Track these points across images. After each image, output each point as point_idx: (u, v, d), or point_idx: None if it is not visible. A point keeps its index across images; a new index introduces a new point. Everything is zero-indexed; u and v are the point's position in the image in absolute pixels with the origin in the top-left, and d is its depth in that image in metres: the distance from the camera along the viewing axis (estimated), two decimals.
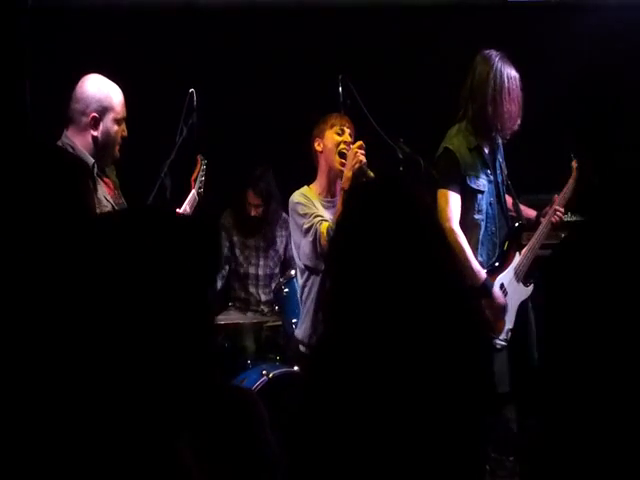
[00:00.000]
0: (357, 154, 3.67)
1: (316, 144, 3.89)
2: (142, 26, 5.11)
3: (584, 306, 2.04)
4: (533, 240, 4.00)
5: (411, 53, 5.28)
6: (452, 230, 3.72)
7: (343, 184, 3.69)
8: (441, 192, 3.80)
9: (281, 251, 5.21)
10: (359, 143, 3.73)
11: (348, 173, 3.66)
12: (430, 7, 5.38)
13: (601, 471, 2.00)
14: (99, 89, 3.42)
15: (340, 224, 2.02)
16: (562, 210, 4.00)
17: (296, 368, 4.27)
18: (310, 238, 3.71)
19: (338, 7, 5.34)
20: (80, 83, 3.46)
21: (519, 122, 3.88)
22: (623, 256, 2.04)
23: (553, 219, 3.98)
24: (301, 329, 3.95)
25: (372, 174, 3.67)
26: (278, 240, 5.20)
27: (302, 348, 3.92)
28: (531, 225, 4.09)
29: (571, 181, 4.04)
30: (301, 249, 3.79)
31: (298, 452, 1.82)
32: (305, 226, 3.74)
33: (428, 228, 1.93)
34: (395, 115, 4.37)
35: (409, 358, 1.78)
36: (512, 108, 3.82)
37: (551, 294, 2.14)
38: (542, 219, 4.03)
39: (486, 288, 3.79)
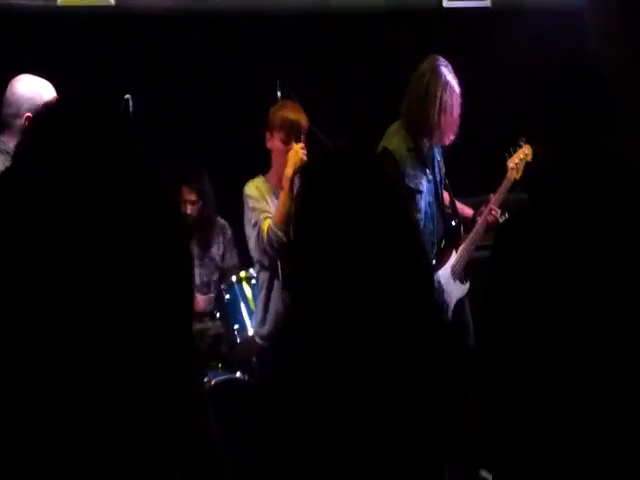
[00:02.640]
0: (298, 153, 3.66)
1: (267, 139, 3.84)
2: (75, 31, 5.04)
3: (528, 276, 2.06)
4: (469, 239, 4.04)
5: (350, 57, 5.30)
6: None
7: (283, 183, 3.67)
8: None
9: (217, 258, 5.00)
10: (301, 144, 3.71)
11: (289, 172, 3.65)
12: (367, 13, 5.41)
13: (543, 447, 2.01)
14: (29, 88, 3.36)
15: (302, 205, 1.92)
16: (497, 210, 4.04)
17: (238, 374, 4.23)
18: (254, 233, 3.70)
19: (278, 14, 5.34)
20: (10, 86, 3.40)
21: (452, 137, 3.91)
22: (568, 230, 2.07)
23: (489, 218, 4.02)
24: (256, 321, 3.92)
25: None
26: (214, 247, 4.99)
27: (258, 340, 3.88)
28: (467, 224, 4.13)
29: (505, 181, 4.08)
30: (250, 242, 3.78)
31: (273, 445, 1.78)
32: (252, 221, 3.74)
33: (394, 199, 1.89)
34: (333, 118, 4.38)
35: (376, 338, 1.76)
36: (451, 119, 3.85)
37: (497, 262, 2.16)
38: (478, 218, 4.06)
39: None
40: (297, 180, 3.64)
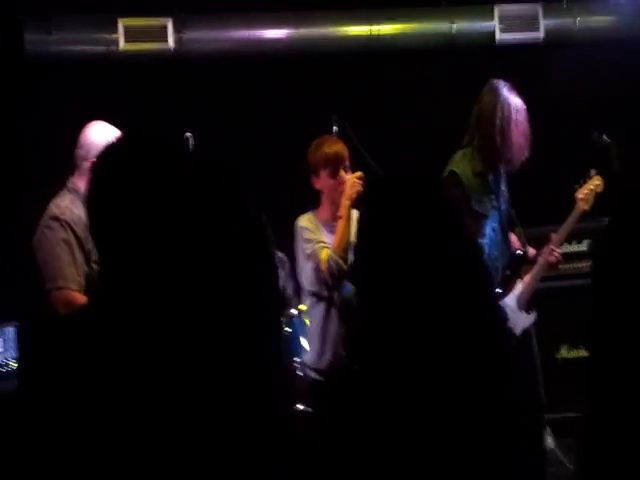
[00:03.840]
0: (355, 184, 3.69)
1: (313, 181, 3.88)
2: (136, 75, 5.19)
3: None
4: (534, 271, 3.99)
5: (406, 94, 5.37)
6: None
7: (341, 211, 3.69)
8: None
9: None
10: (358, 173, 3.74)
11: (346, 202, 3.68)
12: (422, 50, 5.48)
13: None
14: (101, 136, 3.48)
15: (365, 234, 1.94)
16: (558, 251, 3.98)
17: (300, 407, 4.23)
18: (312, 264, 3.71)
19: (332, 52, 5.44)
20: (84, 130, 3.58)
21: (526, 154, 3.89)
22: None
23: (550, 259, 3.97)
24: (308, 355, 3.92)
25: None
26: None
27: (313, 374, 3.88)
28: (530, 260, 4.08)
29: (574, 212, 3.98)
30: (304, 274, 3.79)
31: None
32: (307, 252, 3.74)
33: (454, 219, 1.90)
34: (391, 152, 4.42)
35: (440, 368, 1.76)
36: (520, 140, 3.83)
37: (600, 283, 2.13)
38: (539, 258, 4.01)
39: None
40: (354, 211, 3.68)
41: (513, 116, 3.82)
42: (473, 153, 3.88)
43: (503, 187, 4.01)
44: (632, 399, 1.99)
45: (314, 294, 3.80)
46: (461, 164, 3.88)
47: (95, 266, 3.31)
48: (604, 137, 4.06)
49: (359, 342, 1.94)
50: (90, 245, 3.34)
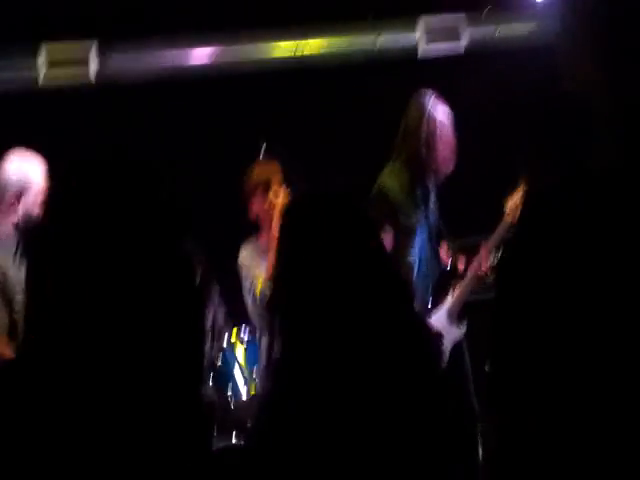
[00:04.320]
0: (283, 209, 3.69)
1: (249, 208, 3.90)
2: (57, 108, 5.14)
3: (535, 302, 2.07)
4: (464, 284, 4.02)
5: (330, 109, 5.38)
6: None
7: (270, 242, 3.71)
8: None
9: (208, 324, 4.98)
10: (284, 192, 3.77)
11: (275, 230, 3.68)
12: (343, 65, 5.51)
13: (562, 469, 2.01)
14: (17, 169, 3.45)
15: (279, 253, 1.96)
16: (486, 265, 4.00)
17: (234, 440, 4.18)
18: (250, 298, 3.85)
19: (258, 70, 5.45)
20: (1, 167, 3.47)
21: (452, 165, 3.92)
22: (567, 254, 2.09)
23: (479, 272, 3.99)
24: (260, 388, 3.92)
25: None
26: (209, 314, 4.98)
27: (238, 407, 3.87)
28: (459, 274, 4.10)
29: (503, 223, 4.02)
30: (248, 308, 3.86)
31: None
32: (247, 287, 3.89)
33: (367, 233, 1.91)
34: (321, 169, 4.43)
35: (364, 378, 1.76)
36: (445, 152, 3.86)
37: (502, 294, 2.17)
38: (469, 271, 4.04)
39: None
40: None
41: (438, 129, 3.85)
42: (401, 167, 3.90)
43: (432, 200, 4.03)
44: (530, 409, 2.03)
45: (260, 329, 3.84)
46: (389, 179, 3.89)
47: (16, 315, 3.24)
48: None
49: (281, 367, 1.94)
50: (10, 293, 3.27)
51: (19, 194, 3.38)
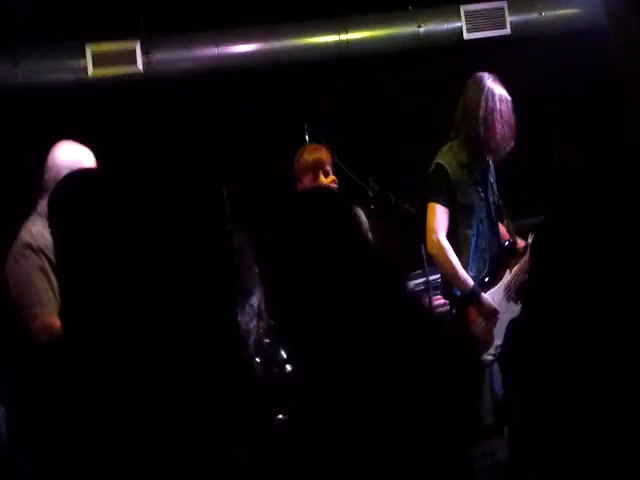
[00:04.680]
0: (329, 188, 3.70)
1: (298, 188, 3.89)
2: (106, 99, 5.20)
3: (569, 276, 2.05)
4: (522, 262, 3.97)
5: (378, 98, 5.38)
6: (438, 241, 3.73)
7: None
8: (430, 205, 3.80)
9: (257, 305, 5.04)
10: (331, 178, 3.77)
11: None
12: (391, 53, 5.50)
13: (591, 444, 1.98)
14: (69, 156, 3.45)
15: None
16: None
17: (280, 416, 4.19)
18: None
19: (302, 62, 5.47)
20: (51, 152, 3.51)
21: (512, 144, 3.89)
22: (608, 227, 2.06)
23: None
24: None
25: None
26: (254, 296, 5.03)
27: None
28: (518, 252, 4.06)
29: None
30: None
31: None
32: None
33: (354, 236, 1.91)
34: (367, 156, 4.43)
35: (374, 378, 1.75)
36: (504, 130, 3.83)
37: (538, 262, 2.14)
38: (528, 249, 3.98)
39: (475, 294, 3.75)
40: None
41: (497, 106, 3.84)
42: (459, 145, 3.89)
43: (491, 179, 4.01)
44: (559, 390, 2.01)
45: None
46: (447, 156, 3.89)
47: None
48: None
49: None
50: None
51: None
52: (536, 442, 2.07)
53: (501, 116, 3.83)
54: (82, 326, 1.65)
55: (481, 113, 3.81)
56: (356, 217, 2.00)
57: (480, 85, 3.86)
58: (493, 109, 3.82)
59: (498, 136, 3.83)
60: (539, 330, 2.09)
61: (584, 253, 2.06)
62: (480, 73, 3.92)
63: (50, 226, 1.73)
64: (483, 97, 3.82)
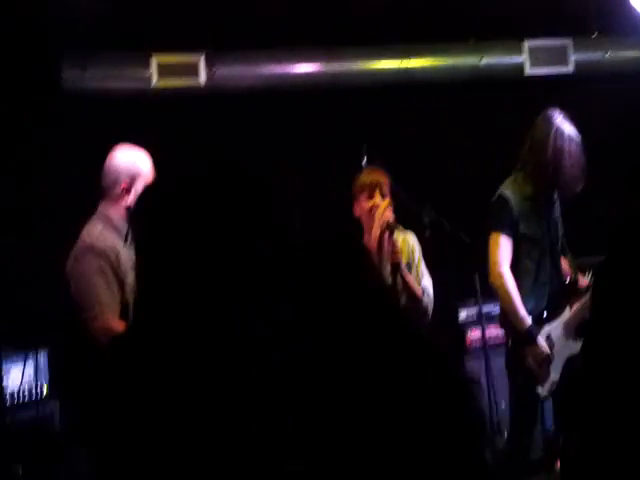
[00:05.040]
0: (384, 213, 3.70)
1: (355, 209, 3.91)
2: (167, 111, 5.27)
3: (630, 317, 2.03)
4: (583, 300, 3.91)
5: (436, 125, 5.39)
6: (500, 274, 3.72)
7: (371, 242, 3.71)
8: (492, 236, 3.80)
9: None
10: (386, 202, 3.76)
11: (376, 232, 3.69)
12: (450, 83, 5.51)
13: None
14: (128, 159, 3.51)
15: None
16: None
17: None
18: None
19: (363, 86, 5.50)
20: (110, 155, 3.57)
21: (582, 184, 3.86)
22: None
23: None
24: None
25: (402, 229, 3.72)
26: None
27: None
28: (580, 291, 4.01)
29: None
30: None
31: None
32: None
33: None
34: (421, 182, 4.43)
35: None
36: (574, 170, 3.81)
37: (598, 303, 2.13)
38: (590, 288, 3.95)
39: (530, 335, 3.73)
40: (386, 238, 3.69)
41: (566, 146, 3.81)
42: (525, 178, 3.87)
43: (556, 213, 3.98)
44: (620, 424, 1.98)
45: None
46: (511, 187, 3.88)
47: (129, 294, 3.32)
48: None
49: None
50: (123, 273, 3.35)
51: (131, 181, 3.46)
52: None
53: (570, 156, 3.81)
54: (150, 334, 1.67)
55: (550, 151, 3.79)
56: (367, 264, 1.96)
57: (550, 122, 3.84)
58: (562, 148, 3.80)
59: (567, 176, 3.80)
60: (600, 372, 2.07)
61: None
62: (551, 110, 3.90)
63: (134, 240, 1.75)
64: (552, 135, 3.80)
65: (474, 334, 5.00)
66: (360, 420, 1.64)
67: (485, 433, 3.44)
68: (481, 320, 4.44)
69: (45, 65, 5.00)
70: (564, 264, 4.03)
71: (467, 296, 4.23)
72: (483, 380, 4.55)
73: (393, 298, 2.00)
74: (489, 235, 3.81)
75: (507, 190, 3.85)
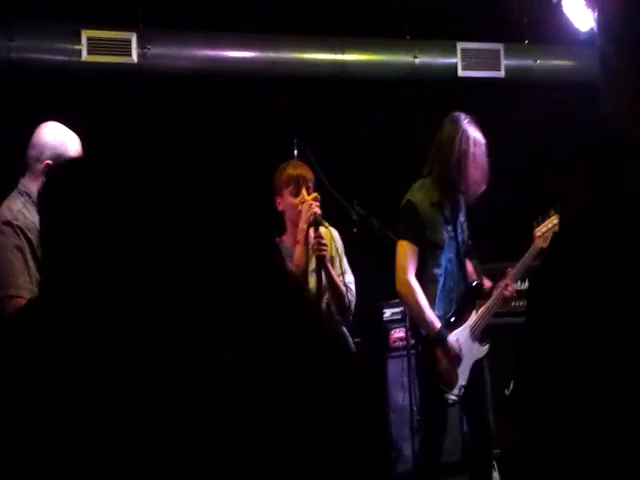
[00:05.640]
0: (312, 206, 3.69)
1: (277, 203, 3.87)
2: (96, 88, 5.16)
3: (564, 318, 2.06)
4: (489, 304, 3.99)
5: (368, 122, 5.41)
6: (407, 281, 3.75)
7: (298, 236, 3.69)
8: (400, 243, 3.83)
9: None
10: (314, 195, 3.74)
11: (303, 226, 3.68)
12: (387, 80, 5.53)
13: None
14: (54, 136, 3.40)
15: None
16: (513, 286, 3.98)
17: None
18: None
19: (296, 77, 5.48)
20: (36, 130, 3.44)
21: (483, 187, 3.91)
22: (603, 275, 2.09)
23: (505, 293, 3.97)
24: None
25: (327, 225, 3.71)
26: None
27: None
28: (484, 294, 4.07)
29: (531, 249, 4.00)
30: None
31: None
32: None
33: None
34: (350, 178, 4.44)
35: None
36: (477, 173, 3.85)
37: (532, 308, 2.16)
38: (494, 291, 4.01)
39: (441, 337, 3.77)
40: (312, 232, 3.68)
41: (471, 149, 3.85)
42: (432, 183, 3.90)
43: (462, 218, 4.02)
44: (554, 429, 2.02)
45: None
46: (419, 193, 3.89)
47: None
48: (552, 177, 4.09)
49: None
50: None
51: (57, 158, 3.35)
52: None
53: (474, 160, 3.84)
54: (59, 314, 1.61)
55: (454, 154, 3.82)
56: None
57: (456, 126, 3.87)
58: (466, 152, 3.83)
59: (470, 179, 3.85)
60: (539, 369, 2.10)
61: (579, 301, 2.09)
62: (457, 113, 3.94)
63: (40, 215, 1.69)
64: (457, 138, 3.84)
65: (397, 334, 5.04)
66: (270, 415, 1.63)
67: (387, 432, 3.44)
68: (405, 320, 4.47)
69: None
70: (469, 267, 4.08)
71: (392, 295, 4.24)
72: (405, 380, 4.61)
73: (301, 286, 1.97)
74: (397, 242, 3.84)
75: (414, 196, 3.88)
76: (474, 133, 3.88)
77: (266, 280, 1.77)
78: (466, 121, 3.90)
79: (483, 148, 3.89)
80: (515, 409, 2.12)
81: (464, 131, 3.86)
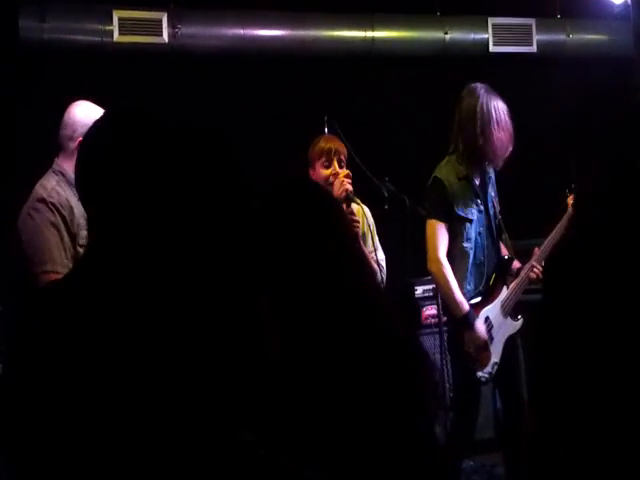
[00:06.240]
0: (343, 182, 3.68)
1: (310, 174, 3.87)
2: (127, 67, 5.19)
3: (582, 307, 2.05)
4: (516, 283, 3.96)
5: (399, 99, 5.39)
6: (438, 260, 3.73)
7: None
8: (429, 222, 3.80)
9: None
10: (345, 172, 3.73)
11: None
12: (417, 57, 5.51)
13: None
14: (86, 114, 3.42)
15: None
16: (539, 267, 3.90)
17: None
18: None
19: (326, 55, 5.47)
20: (68, 109, 3.47)
21: (510, 149, 3.88)
22: (623, 261, 2.06)
23: (531, 275, 3.94)
24: None
25: (358, 201, 3.71)
26: None
27: None
28: (513, 273, 4.04)
29: (565, 217, 3.91)
30: None
31: None
32: None
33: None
34: (382, 155, 4.43)
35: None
36: (502, 136, 3.82)
37: (549, 296, 2.15)
38: (522, 273, 3.98)
39: (468, 321, 3.73)
40: (344, 208, 3.68)
41: (493, 115, 3.81)
42: (457, 158, 3.87)
43: (492, 192, 3.99)
44: (575, 410, 2.01)
45: None
46: (445, 169, 3.87)
47: (81, 249, 3.26)
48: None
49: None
50: (76, 228, 3.30)
51: None
52: (540, 457, 2.09)
53: (498, 125, 3.81)
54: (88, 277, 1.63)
55: (478, 124, 3.79)
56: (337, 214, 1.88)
57: (474, 96, 3.84)
58: (489, 119, 3.80)
59: (497, 143, 3.81)
60: (556, 355, 2.10)
61: (598, 289, 2.07)
62: (473, 84, 3.89)
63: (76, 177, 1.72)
64: (479, 107, 3.80)
65: (429, 311, 5.04)
66: (311, 389, 1.64)
67: (438, 408, 3.45)
68: (437, 297, 4.45)
69: (2, 14, 4.87)
70: (502, 241, 4.06)
71: (424, 272, 4.23)
72: (437, 357, 4.60)
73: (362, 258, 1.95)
74: (427, 220, 3.82)
75: (441, 172, 3.84)
76: (494, 99, 3.86)
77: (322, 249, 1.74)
78: (483, 90, 3.86)
79: (505, 112, 3.86)
80: (533, 391, 2.12)
81: (484, 99, 3.82)
